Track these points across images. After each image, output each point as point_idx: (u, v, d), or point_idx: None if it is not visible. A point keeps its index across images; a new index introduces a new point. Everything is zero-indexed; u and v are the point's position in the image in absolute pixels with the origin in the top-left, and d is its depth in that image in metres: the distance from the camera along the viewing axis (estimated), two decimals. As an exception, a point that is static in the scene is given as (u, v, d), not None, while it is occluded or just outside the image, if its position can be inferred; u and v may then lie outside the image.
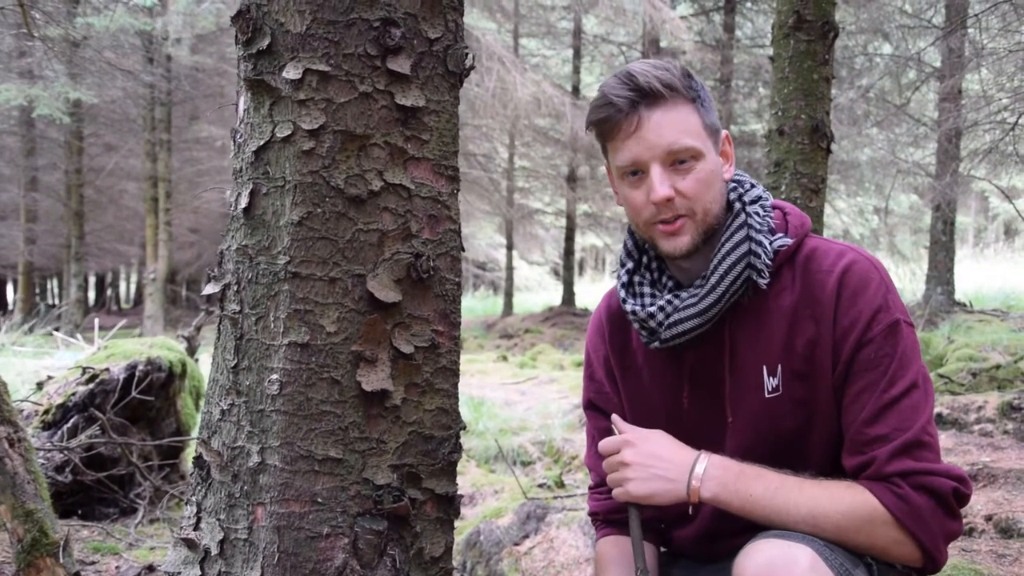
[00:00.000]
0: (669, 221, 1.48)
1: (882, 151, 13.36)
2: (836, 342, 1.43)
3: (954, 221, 12.40)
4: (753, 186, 1.57)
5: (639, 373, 1.66)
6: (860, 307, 1.42)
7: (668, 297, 1.53)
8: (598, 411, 1.77)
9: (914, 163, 12.70)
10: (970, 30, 9.22)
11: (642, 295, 1.59)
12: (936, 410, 5.00)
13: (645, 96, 1.44)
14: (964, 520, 3.18)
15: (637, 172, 1.48)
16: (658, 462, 1.44)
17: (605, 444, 1.51)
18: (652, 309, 1.53)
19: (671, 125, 1.45)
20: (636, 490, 1.44)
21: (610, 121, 1.47)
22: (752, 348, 1.50)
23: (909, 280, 14.55)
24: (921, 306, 11.69)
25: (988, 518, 3.19)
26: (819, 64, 3.79)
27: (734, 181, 1.57)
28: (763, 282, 1.47)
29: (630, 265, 1.62)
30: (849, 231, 16.79)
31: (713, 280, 1.48)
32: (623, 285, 1.62)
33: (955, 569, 2.39)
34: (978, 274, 17.79)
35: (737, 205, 1.53)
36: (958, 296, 12.39)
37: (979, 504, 3.27)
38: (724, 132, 1.54)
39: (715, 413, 1.55)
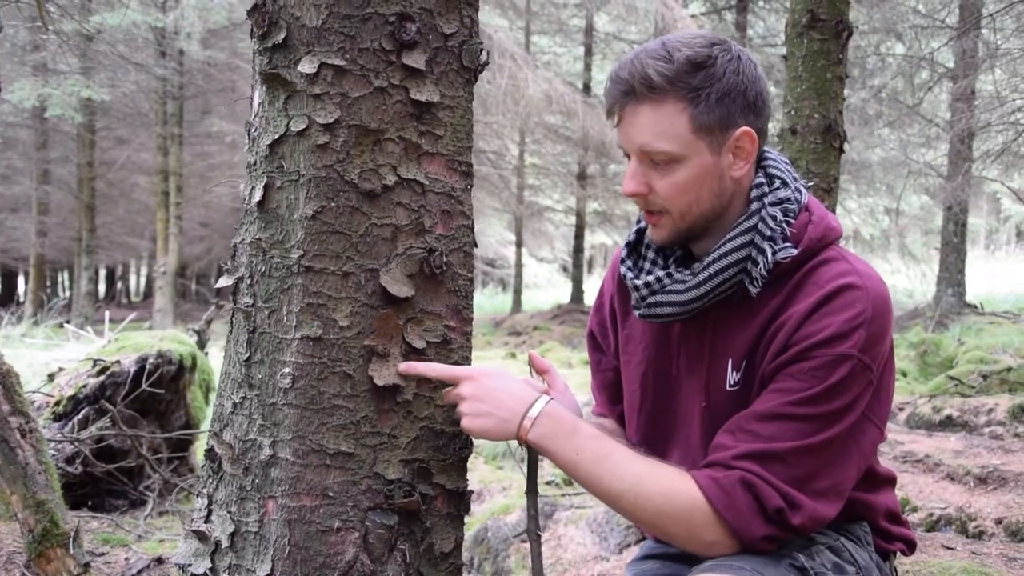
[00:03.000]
0: (649, 211, 1.48)
1: (894, 151, 13.32)
2: (787, 344, 1.39)
3: (966, 222, 12.36)
4: (785, 185, 1.49)
5: (634, 323, 1.66)
6: (823, 325, 1.36)
7: (661, 273, 1.51)
8: (596, 345, 1.80)
9: (926, 164, 12.66)
10: (984, 30, 9.18)
11: (644, 259, 1.59)
12: (946, 412, 4.98)
13: (627, 92, 1.41)
14: (974, 523, 3.17)
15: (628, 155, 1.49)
16: (492, 400, 1.39)
17: (442, 371, 1.42)
18: (639, 282, 1.53)
19: (648, 125, 1.41)
20: (469, 425, 1.40)
21: (606, 105, 1.48)
22: (726, 340, 1.49)
23: (920, 281, 14.51)
24: (931, 308, 11.66)
25: (998, 521, 3.18)
26: (833, 63, 3.77)
27: (765, 176, 1.50)
28: (754, 291, 1.43)
29: (643, 224, 1.60)
30: (860, 231, 16.74)
31: (703, 276, 1.45)
32: (627, 244, 1.61)
33: (965, 572, 2.38)
34: (989, 276, 17.74)
35: (755, 205, 1.46)
36: (969, 298, 12.35)
37: (989, 507, 3.26)
38: (741, 129, 1.43)
39: (694, 391, 1.55)
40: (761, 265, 1.42)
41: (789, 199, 1.48)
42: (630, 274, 1.56)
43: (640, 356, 1.64)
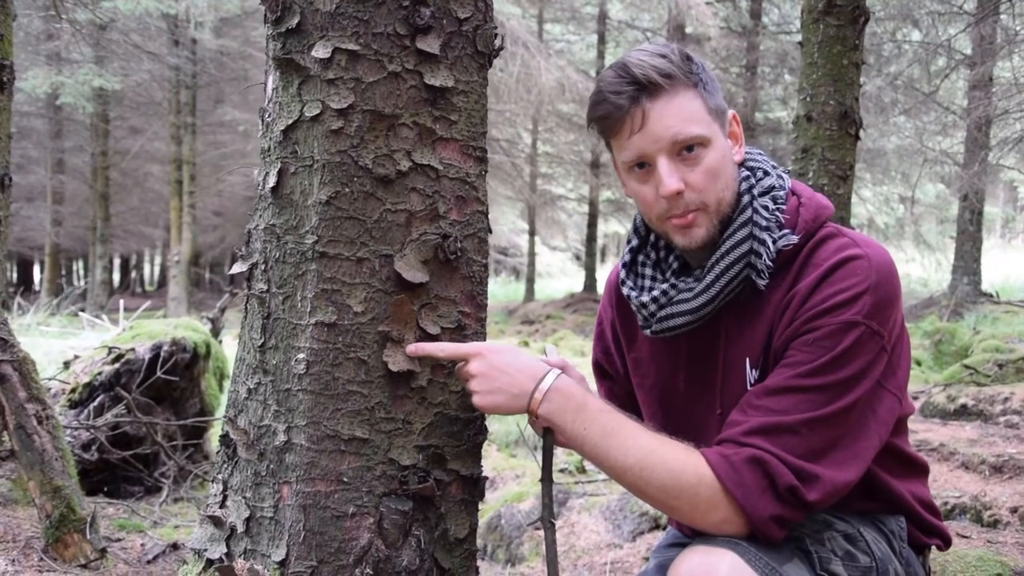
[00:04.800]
0: (681, 215, 1.44)
1: (909, 139, 13.21)
2: (792, 319, 1.39)
3: (982, 211, 12.27)
4: (767, 174, 1.50)
5: (641, 345, 1.65)
6: (827, 295, 1.35)
7: (665, 287, 1.50)
8: (603, 373, 1.78)
9: (942, 152, 12.55)
10: (1003, 16, 9.08)
11: (642, 276, 1.57)
12: (961, 401, 4.94)
13: (644, 89, 1.39)
14: (989, 512, 3.15)
15: (644, 165, 1.44)
16: (502, 376, 1.38)
17: (451, 350, 1.42)
18: (645, 299, 1.51)
19: (674, 115, 1.39)
20: (480, 402, 1.40)
21: (611, 118, 1.43)
22: (740, 341, 1.48)
23: (935, 270, 14.43)
24: (947, 296, 11.59)
25: (1013, 510, 3.15)
26: (849, 49, 3.74)
27: (747, 169, 1.51)
28: (762, 283, 1.43)
29: (635, 243, 1.59)
30: (874, 220, 16.64)
31: (709, 279, 1.44)
32: (624, 264, 1.59)
33: (981, 561, 2.37)
34: (1005, 264, 17.61)
35: (745, 198, 1.46)
36: (985, 287, 12.27)
37: (1004, 496, 3.24)
38: (731, 112, 1.49)
39: (706, 402, 1.54)
40: (765, 256, 1.42)
41: (775, 186, 1.49)
42: (633, 293, 1.54)
43: (653, 378, 1.63)
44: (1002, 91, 10.23)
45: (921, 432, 4.26)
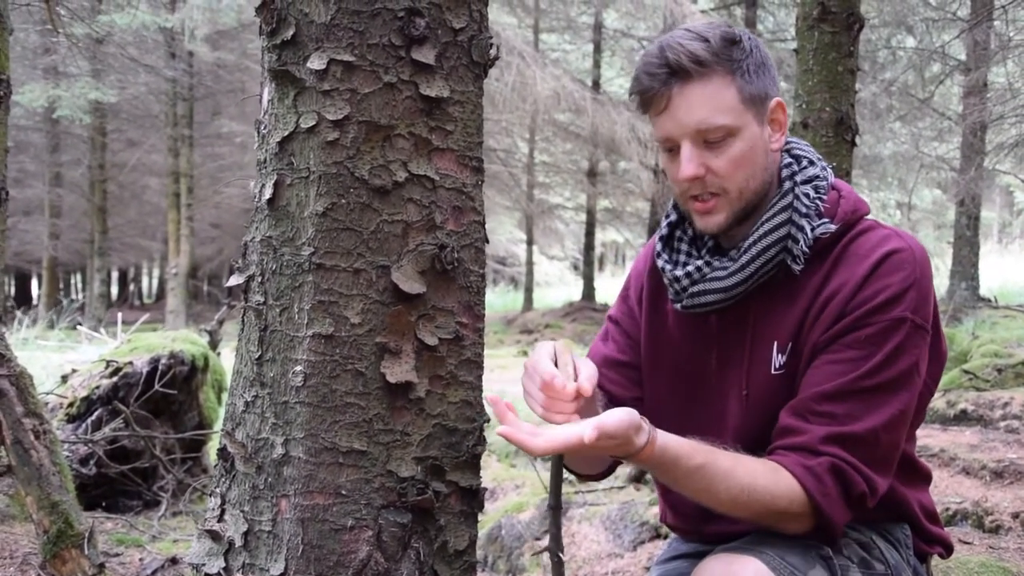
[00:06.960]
0: (702, 198, 1.45)
1: (905, 145, 13.24)
2: (841, 313, 1.39)
3: (978, 216, 12.30)
4: (812, 163, 1.51)
5: (665, 319, 1.64)
6: (877, 289, 1.37)
7: (699, 263, 1.50)
8: (618, 327, 1.73)
9: (938, 157, 12.59)
10: (996, 22, 9.12)
11: (678, 252, 1.57)
12: (961, 406, 4.94)
13: (674, 74, 1.40)
14: (991, 517, 3.15)
15: (672, 147, 1.46)
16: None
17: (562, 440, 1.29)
18: (679, 273, 1.52)
19: (701, 103, 1.40)
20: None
21: (643, 96, 1.46)
22: (769, 323, 1.48)
23: (933, 276, 14.41)
24: (945, 302, 11.59)
25: (1015, 516, 3.15)
26: (844, 56, 3.74)
27: (791, 156, 1.52)
28: (797, 268, 1.43)
29: (673, 217, 1.60)
30: (871, 226, 16.62)
31: (744, 259, 1.45)
32: (661, 237, 1.60)
33: (983, 567, 2.36)
34: (1003, 269, 17.62)
35: (787, 184, 1.48)
36: (983, 291, 12.28)
37: (1006, 502, 3.23)
38: (775, 99, 1.48)
39: (733, 381, 1.53)
40: (802, 242, 1.43)
41: (819, 176, 1.50)
42: (668, 267, 1.55)
43: (672, 356, 1.62)
44: (997, 96, 10.27)
45: (921, 438, 4.25)
